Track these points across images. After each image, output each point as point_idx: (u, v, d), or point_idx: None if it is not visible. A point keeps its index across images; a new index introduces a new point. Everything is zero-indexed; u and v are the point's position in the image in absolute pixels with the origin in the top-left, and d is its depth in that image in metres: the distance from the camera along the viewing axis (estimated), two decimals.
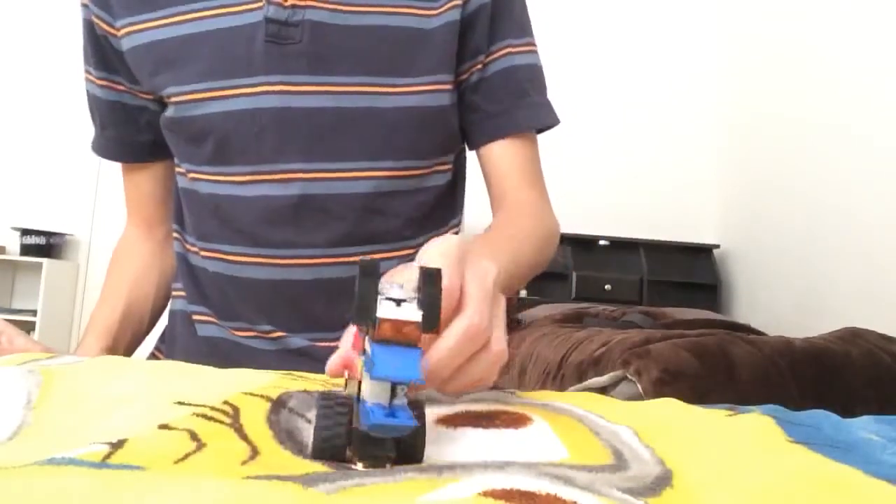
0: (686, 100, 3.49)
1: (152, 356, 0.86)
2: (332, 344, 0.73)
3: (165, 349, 0.84)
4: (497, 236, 0.70)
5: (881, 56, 2.07)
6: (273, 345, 0.74)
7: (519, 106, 0.77)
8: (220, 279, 0.75)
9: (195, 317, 0.79)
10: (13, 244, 3.44)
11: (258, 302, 0.74)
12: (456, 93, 0.78)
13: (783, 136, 2.68)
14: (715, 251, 3.25)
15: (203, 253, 0.77)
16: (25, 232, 3.37)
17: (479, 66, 0.77)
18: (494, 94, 0.77)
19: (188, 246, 0.80)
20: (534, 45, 0.80)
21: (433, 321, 0.33)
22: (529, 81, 0.79)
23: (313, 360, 0.72)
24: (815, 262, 2.34)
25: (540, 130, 0.80)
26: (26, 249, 3.38)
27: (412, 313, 0.32)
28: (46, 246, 3.38)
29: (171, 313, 0.84)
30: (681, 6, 3.54)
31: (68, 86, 3.50)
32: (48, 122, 3.52)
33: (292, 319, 0.73)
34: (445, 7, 0.73)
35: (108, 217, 3.49)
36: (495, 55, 0.77)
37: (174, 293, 0.83)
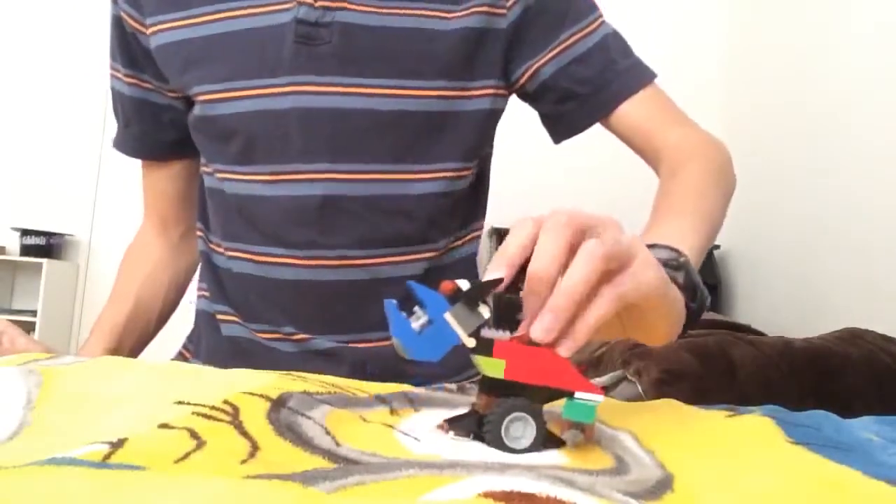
0: (685, 100, 3.48)
1: (180, 356, 0.85)
2: (355, 345, 0.73)
3: (193, 349, 0.84)
4: (661, 216, 0.69)
5: (882, 57, 2.07)
6: (296, 347, 0.74)
7: (610, 79, 0.75)
8: (244, 279, 0.75)
9: (219, 316, 0.78)
10: (13, 244, 3.44)
11: (281, 303, 0.73)
12: (494, 99, 0.76)
13: (783, 136, 2.68)
14: (715, 251, 3.24)
15: (228, 252, 0.76)
16: (25, 232, 3.37)
17: (545, 62, 0.75)
18: (582, 78, 0.75)
19: (212, 245, 0.80)
20: (598, 19, 0.77)
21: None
22: (608, 55, 0.76)
23: (336, 362, 0.71)
24: (816, 263, 2.34)
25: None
26: (26, 249, 3.37)
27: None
28: (46, 246, 3.38)
29: (197, 313, 0.83)
30: (682, 7, 3.54)
31: (69, 86, 3.51)
32: (48, 123, 3.52)
33: (315, 321, 0.73)
34: (467, 11, 0.72)
35: (108, 217, 3.49)
36: (564, 45, 0.75)
37: (199, 293, 0.83)
